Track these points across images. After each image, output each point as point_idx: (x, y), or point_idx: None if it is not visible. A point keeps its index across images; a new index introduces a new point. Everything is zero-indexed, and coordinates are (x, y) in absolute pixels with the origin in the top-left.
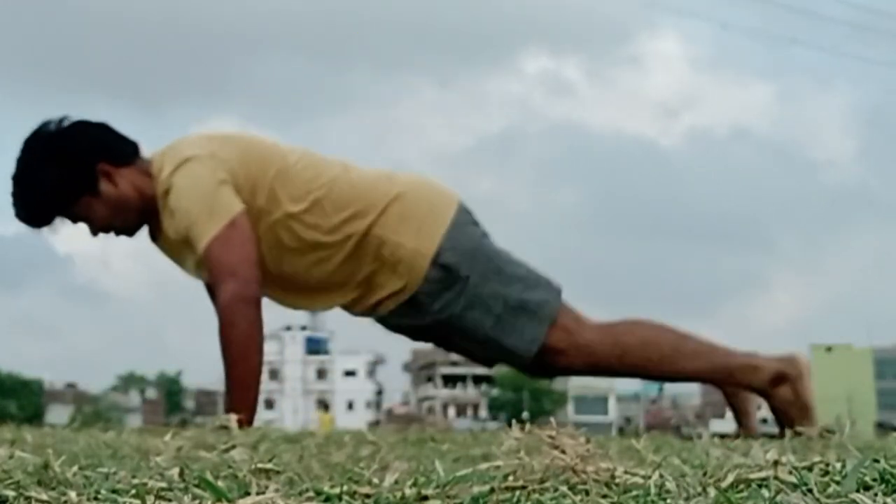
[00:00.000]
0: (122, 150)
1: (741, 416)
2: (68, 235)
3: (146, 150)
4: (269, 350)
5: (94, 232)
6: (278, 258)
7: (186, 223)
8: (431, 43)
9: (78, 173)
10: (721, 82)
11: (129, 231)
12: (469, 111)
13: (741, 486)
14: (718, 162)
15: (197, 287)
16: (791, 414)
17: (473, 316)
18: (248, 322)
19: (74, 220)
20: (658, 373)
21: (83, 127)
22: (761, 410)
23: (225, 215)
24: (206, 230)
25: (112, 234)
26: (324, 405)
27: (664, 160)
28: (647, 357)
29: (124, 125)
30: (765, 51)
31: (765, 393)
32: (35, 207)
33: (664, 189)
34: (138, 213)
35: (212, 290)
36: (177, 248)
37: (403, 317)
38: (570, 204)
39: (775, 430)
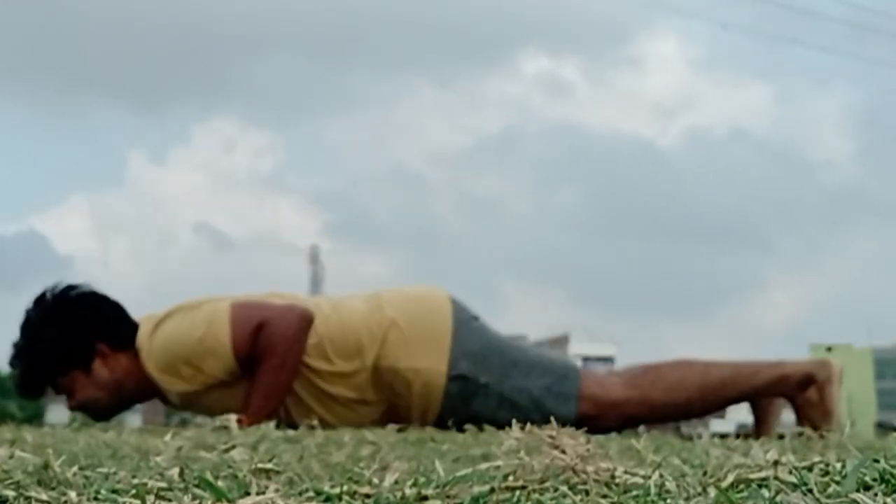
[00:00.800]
0: (125, 335)
1: (759, 423)
2: (68, 235)
3: (147, 152)
4: None
5: (72, 406)
6: (304, 413)
7: (192, 348)
8: (431, 43)
9: (75, 347)
10: (719, 83)
11: (108, 414)
12: (468, 111)
13: (741, 486)
14: (717, 162)
15: (198, 288)
16: (812, 416)
17: (503, 416)
18: (297, 334)
19: (58, 389)
20: (690, 413)
21: (94, 301)
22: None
23: (225, 313)
24: (220, 331)
25: (84, 410)
26: None
27: (663, 161)
28: (675, 403)
29: (124, 126)
30: (763, 51)
31: (791, 396)
32: (27, 374)
33: (663, 189)
34: (121, 398)
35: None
36: (197, 398)
37: None
38: (569, 204)
39: (781, 430)
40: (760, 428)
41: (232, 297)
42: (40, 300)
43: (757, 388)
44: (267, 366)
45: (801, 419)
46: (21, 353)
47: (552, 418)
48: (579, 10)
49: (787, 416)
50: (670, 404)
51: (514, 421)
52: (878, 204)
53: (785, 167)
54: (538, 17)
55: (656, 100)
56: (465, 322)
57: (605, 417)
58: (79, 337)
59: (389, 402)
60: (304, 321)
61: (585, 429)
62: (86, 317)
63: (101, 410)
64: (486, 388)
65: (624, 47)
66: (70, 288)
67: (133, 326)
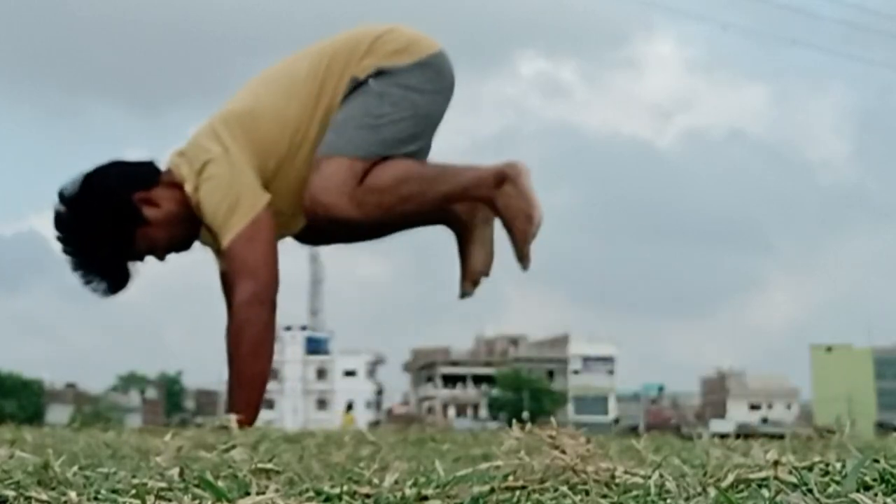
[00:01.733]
0: (145, 174)
1: (465, 270)
2: None
3: (147, 153)
4: None
5: (162, 257)
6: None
7: (213, 223)
8: None
9: (121, 214)
10: (717, 84)
11: (190, 242)
12: (466, 113)
13: (741, 486)
14: (715, 163)
15: (197, 288)
16: (513, 207)
17: (346, 106)
18: (263, 323)
19: (140, 257)
20: (413, 207)
21: (99, 172)
22: (761, 410)
23: (248, 212)
24: (230, 227)
25: (180, 252)
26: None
27: (661, 161)
28: (400, 195)
29: (124, 127)
30: (760, 53)
31: (491, 198)
32: (109, 273)
33: (661, 190)
34: (190, 223)
35: (226, 283)
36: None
37: None
38: (567, 205)
39: (775, 430)
40: (466, 267)
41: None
42: (61, 212)
43: (463, 186)
44: (238, 359)
45: (505, 215)
46: (92, 257)
47: (349, 140)
48: (577, 13)
49: (785, 415)
50: (400, 196)
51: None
52: (876, 204)
53: (783, 168)
54: (536, 20)
55: (654, 101)
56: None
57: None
58: (117, 205)
59: None
60: (272, 308)
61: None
62: (106, 187)
63: (187, 240)
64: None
65: (621, 49)
66: (71, 184)
67: (143, 163)
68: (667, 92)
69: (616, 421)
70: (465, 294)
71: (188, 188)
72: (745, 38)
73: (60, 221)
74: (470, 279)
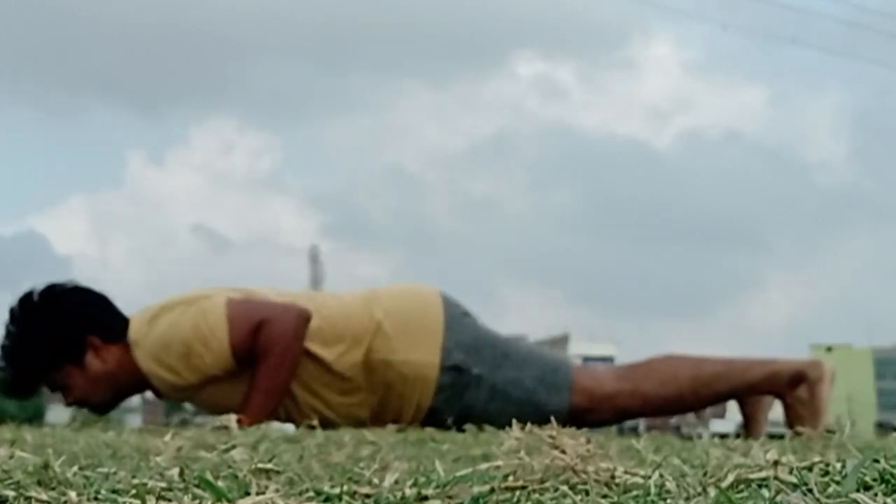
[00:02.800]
0: (115, 327)
1: (748, 422)
2: (67, 235)
3: (147, 153)
4: None
5: (68, 401)
6: (298, 407)
7: (183, 350)
8: (427, 47)
9: (66, 341)
10: (714, 85)
11: (106, 407)
12: (464, 114)
13: (741, 486)
14: (712, 164)
15: (199, 286)
16: (801, 414)
17: (495, 408)
18: (296, 333)
19: (52, 387)
20: (682, 407)
21: (81, 295)
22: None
23: (220, 306)
24: (216, 325)
25: (82, 405)
26: None
27: (658, 162)
28: (667, 396)
29: (124, 127)
30: (757, 53)
31: (782, 394)
32: (18, 373)
33: (659, 191)
34: (116, 391)
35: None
36: (191, 393)
37: None
38: (565, 205)
39: (775, 430)
40: (750, 425)
41: (228, 290)
42: (26, 298)
43: (749, 383)
44: (265, 366)
45: (791, 418)
46: (10, 352)
47: (545, 410)
48: (574, 13)
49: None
50: (662, 397)
51: (507, 414)
52: (874, 205)
53: (780, 168)
54: (533, 21)
55: (651, 102)
56: (456, 316)
57: (597, 410)
58: (69, 331)
59: (382, 394)
60: (303, 319)
61: (578, 421)
62: (74, 310)
63: (98, 404)
64: (478, 379)
65: (619, 50)
66: (55, 285)
67: (122, 318)
68: (664, 93)
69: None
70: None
71: (138, 341)
72: (742, 39)
73: (14, 312)
74: (753, 429)
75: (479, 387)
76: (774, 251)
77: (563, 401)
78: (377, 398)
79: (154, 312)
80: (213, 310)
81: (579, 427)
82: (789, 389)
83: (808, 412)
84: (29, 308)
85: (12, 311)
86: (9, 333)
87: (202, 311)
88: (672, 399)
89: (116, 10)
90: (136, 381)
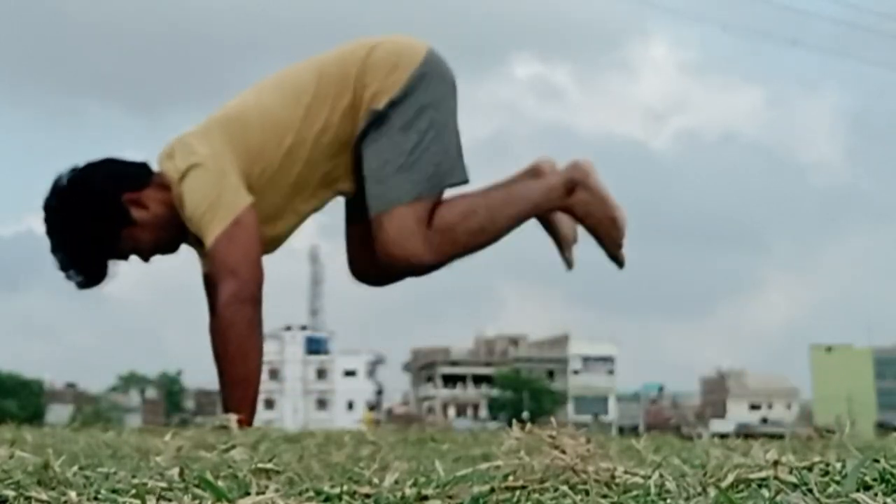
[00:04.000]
0: (136, 175)
1: (560, 242)
2: None
3: (146, 154)
4: (269, 350)
5: (146, 258)
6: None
7: (195, 224)
8: None
9: (108, 213)
10: (710, 86)
11: (177, 245)
12: (461, 115)
13: (741, 486)
14: (709, 164)
15: (197, 286)
16: (595, 212)
17: (376, 147)
18: (247, 321)
19: (124, 256)
20: (487, 238)
21: (92, 169)
22: (761, 410)
23: (230, 213)
24: (212, 228)
25: (165, 255)
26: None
27: (655, 162)
28: (472, 230)
29: (122, 128)
30: (754, 54)
31: (567, 207)
32: (89, 269)
33: (656, 191)
34: (177, 226)
35: (209, 285)
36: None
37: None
38: None
39: (775, 430)
40: (563, 244)
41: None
42: (51, 201)
43: (534, 202)
44: (226, 360)
45: (586, 222)
46: (74, 254)
47: (397, 188)
48: (571, 16)
49: (785, 415)
50: (468, 231)
51: (375, 156)
52: (870, 205)
53: (776, 169)
54: (531, 23)
55: (648, 103)
56: (432, 76)
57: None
58: (106, 203)
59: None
60: (257, 304)
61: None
62: (97, 184)
63: (170, 247)
64: (391, 122)
65: (615, 52)
66: (63, 177)
67: (137, 163)
68: (661, 94)
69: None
70: (570, 263)
71: (175, 191)
72: (739, 40)
73: (48, 214)
74: (566, 248)
75: (385, 126)
76: (773, 251)
77: (416, 191)
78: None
79: (185, 168)
80: (229, 203)
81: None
82: (570, 198)
83: (595, 206)
84: (59, 206)
85: (48, 214)
86: (62, 241)
87: (217, 197)
88: (476, 231)
89: (115, 14)
90: (178, 214)
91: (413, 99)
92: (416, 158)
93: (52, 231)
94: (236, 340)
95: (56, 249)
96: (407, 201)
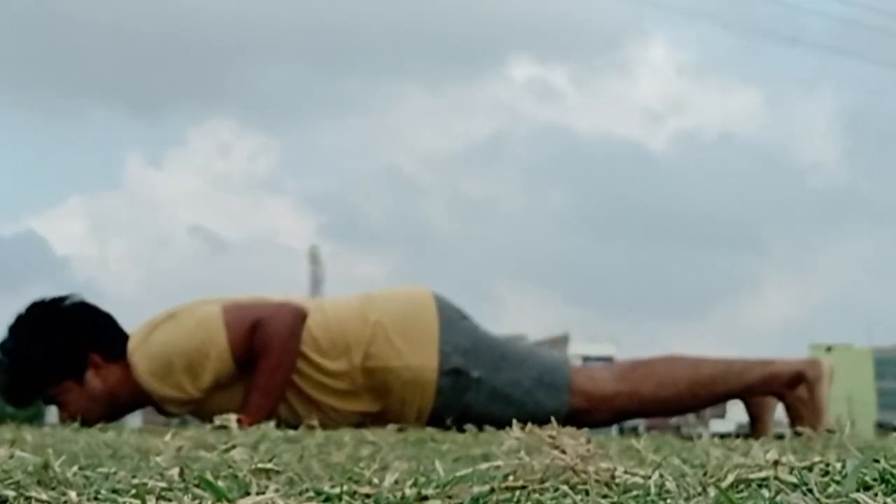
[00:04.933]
0: (117, 345)
1: (754, 422)
2: (66, 237)
3: (145, 155)
4: None
5: (64, 419)
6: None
7: (184, 364)
8: (423, 50)
9: (68, 357)
10: (708, 87)
11: (96, 423)
12: (460, 116)
13: (741, 486)
14: (707, 165)
15: (197, 287)
16: (802, 414)
17: (494, 409)
18: (292, 331)
19: (48, 400)
20: (680, 409)
21: (86, 311)
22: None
23: (216, 313)
24: (214, 332)
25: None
26: None
27: (653, 163)
28: (665, 398)
29: (122, 129)
30: (751, 55)
31: (781, 395)
32: (17, 382)
33: (654, 191)
34: (114, 409)
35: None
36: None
37: None
38: (560, 206)
39: (775, 430)
40: (756, 426)
41: (222, 299)
42: (33, 309)
43: (747, 385)
44: (264, 365)
45: (792, 418)
46: (11, 362)
47: (543, 411)
48: (568, 17)
49: (786, 415)
50: (660, 399)
51: (506, 415)
52: (869, 206)
53: (775, 170)
54: (528, 23)
55: (646, 104)
56: (452, 317)
57: (595, 411)
58: (72, 346)
59: (382, 400)
60: (298, 317)
61: (576, 422)
62: (78, 326)
63: (93, 421)
64: (478, 382)
65: (613, 52)
66: (61, 298)
67: (124, 337)
68: (659, 94)
69: None
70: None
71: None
72: (737, 40)
73: (20, 320)
74: (757, 433)
75: (479, 389)
76: (771, 252)
77: (561, 402)
78: (377, 404)
79: (151, 328)
80: (209, 318)
81: (577, 428)
82: (788, 390)
83: (808, 412)
84: (34, 320)
85: (18, 320)
86: (12, 343)
87: (198, 321)
88: (670, 401)
89: (115, 14)
90: (137, 399)
91: None
92: None
93: (11, 332)
94: (281, 347)
95: (4, 351)
96: None
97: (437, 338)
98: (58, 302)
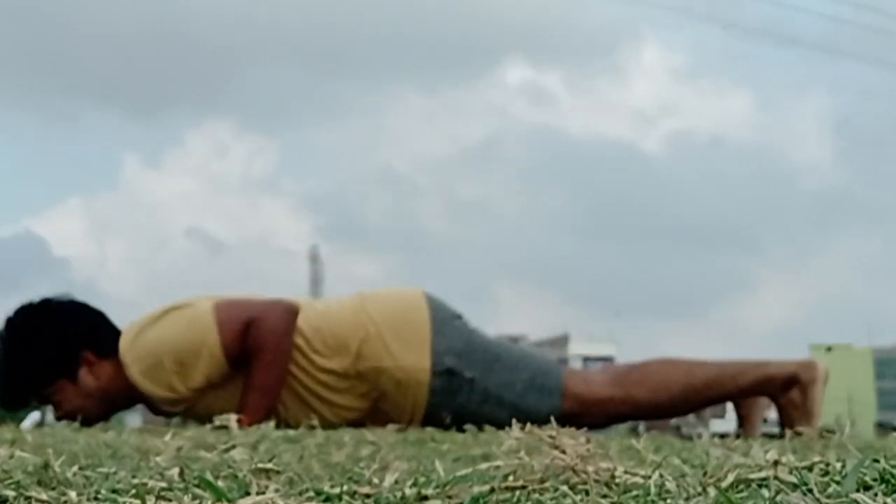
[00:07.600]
0: (109, 343)
1: (743, 423)
2: (64, 237)
3: (143, 157)
4: None
5: (59, 417)
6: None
7: (175, 363)
8: (418, 53)
9: (61, 355)
10: (700, 90)
11: (93, 421)
12: (454, 119)
13: (741, 486)
14: (700, 167)
15: (197, 287)
16: (794, 416)
17: (488, 410)
18: (286, 328)
19: (43, 400)
20: (673, 412)
21: (78, 309)
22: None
23: (207, 311)
24: (205, 330)
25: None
26: None
27: (646, 165)
28: (659, 403)
29: (119, 130)
30: (743, 57)
31: (775, 396)
32: (12, 386)
33: (647, 193)
34: (108, 406)
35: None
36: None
37: None
38: (555, 208)
39: (775, 430)
40: (745, 427)
41: (214, 298)
42: (22, 311)
43: (741, 388)
44: (260, 364)
45: (784, 419)
46: (5, 365)
47: (536, 414)
48: (561, 20)
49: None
50: (654, 404)
51: (499, 417)
52: (863, 206)
53: (767, 172)
54: (522, 27)
55: (639, 106)
56: (445, 319)
57: (588, 415)
58: (64, 345)
59: (375, 401)
60: (291, 314)
61: (568, 425)
62: (70, 325)
63: (88, 419)
64: (471, 383)
65: (606, 56)
66: (51, 298)
67: (116, 333)
68: (652, 97)
69: None
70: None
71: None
72: (729, 43)
73: (12, 321)
74: (746, 433)
75: (472, 390)
76: (766, 253)
77: (553, 405)
78: (370, 405)
79: (141, 326)
80: (200, 317)
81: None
82: (782, 392)
83: (801, 414)
84: (25, 320)
85: (8, 323)
86: (4, 348)
87: (189, 320)
88: (663, 405)
89: (112, 17)
90: (130, 396)
91: None
92: None
93: (3, 334)
94: (274, 345)
95: None
96: None
97: (429, 338)
98: (47, 302)
